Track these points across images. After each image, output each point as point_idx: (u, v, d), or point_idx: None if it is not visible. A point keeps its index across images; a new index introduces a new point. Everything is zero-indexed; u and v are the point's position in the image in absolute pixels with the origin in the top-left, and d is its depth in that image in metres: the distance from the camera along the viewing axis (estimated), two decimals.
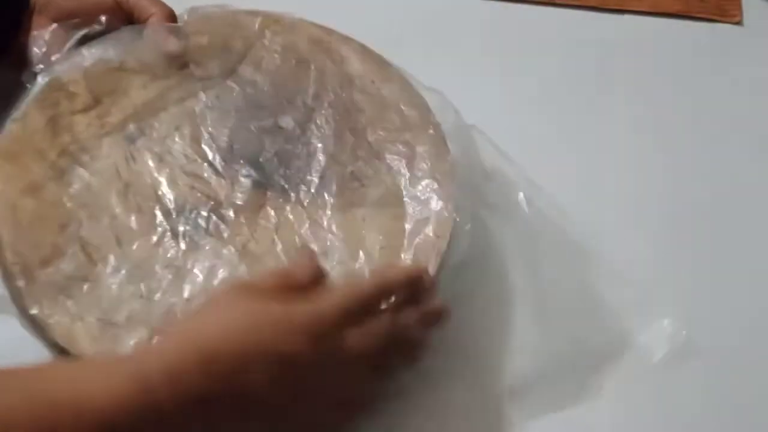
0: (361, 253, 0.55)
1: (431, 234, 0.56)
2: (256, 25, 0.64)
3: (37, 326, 0.50)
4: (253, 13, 0.65)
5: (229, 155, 0.58)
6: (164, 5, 0.63)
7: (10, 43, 0.61)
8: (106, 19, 0.62)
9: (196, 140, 0.59)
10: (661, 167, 0.69)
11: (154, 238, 0.54)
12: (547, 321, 0.58)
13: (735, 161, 0.69)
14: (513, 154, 0.67)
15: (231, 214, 0.56)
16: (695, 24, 0.78)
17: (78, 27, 0.61)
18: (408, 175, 0.58)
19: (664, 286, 0.61)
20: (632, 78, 0.74)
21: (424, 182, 0.58)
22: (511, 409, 0.55)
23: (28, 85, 0.59)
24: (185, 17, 0.64)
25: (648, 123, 0.71)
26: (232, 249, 0.54)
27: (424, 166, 0.59)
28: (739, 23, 0.78)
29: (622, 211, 0.66)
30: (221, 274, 0.53)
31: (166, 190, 0.56)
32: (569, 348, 0.56)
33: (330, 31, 0.65)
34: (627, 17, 0.78)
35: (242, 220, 0.55)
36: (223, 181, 0.57)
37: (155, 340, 0.49)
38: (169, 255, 0.54)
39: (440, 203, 0.57)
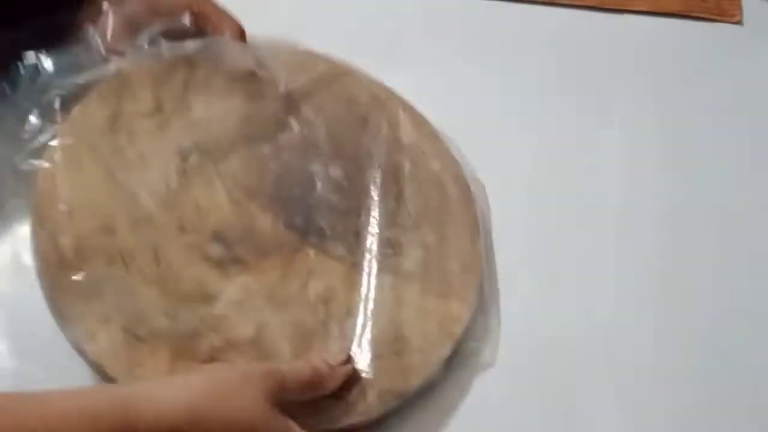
0: (382, 323, 0.55)
1: (450, 318, 0.57)
2: (324, 70, 0.65)
3: (64, 322, 0.50)
4: (322, 58, 0.65)
5: (276, 191, 0.59)
6: (236, 23, 0.63)
7: (71, 22, 0.60)
8: (190, 19, 0.61)
9: (247, 169, 0.59)
10: (660, 167, 0.69)
11: (191, 259, 0.54)
12: None
13: (735, 161, 0.69)
14: (511, 154, 0.67)
15: (268, 250, 0.56)
16: (695, 24, 0.77)
17: (147, 26, 0.60)
18: (437, 253, 0.59)
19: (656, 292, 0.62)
20: (632, 78, 0.74)
21: (453, 264, 0.59)
22: None
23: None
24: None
25: (648, 123, 0.71)
26: (261, 288, 0.55)
27: (455, 248, 0.60)
28: (739, 23, 0.78)
29: (621, 209, 0.66)
30: (246, 310, 0.54)
31: (210, 213, 0.56)
32: None
33: (389, 91, 0.66)
34: (627, 17, 0.78)
35: (276, 260, 0.56)
36: (265, 215, 0.57)
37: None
38: (201, 279, 0.54)
39: (463, 289, 0.58)
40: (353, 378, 0.52)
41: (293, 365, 0.50)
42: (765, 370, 0.59)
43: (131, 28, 0.60)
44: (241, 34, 0.63)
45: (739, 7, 0.78)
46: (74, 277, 0.52)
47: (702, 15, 0.78)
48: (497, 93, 0.72)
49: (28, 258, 0.52)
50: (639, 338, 0.60)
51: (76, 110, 0.57)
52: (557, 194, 0.66)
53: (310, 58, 0.66)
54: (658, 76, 0.74)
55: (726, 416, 0.57)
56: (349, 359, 0.52)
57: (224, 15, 0.63)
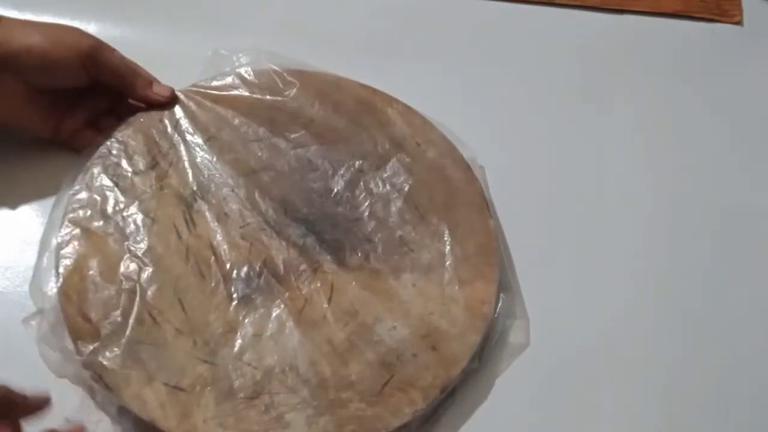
0: (411, 321, 0.56)
1: (477, 300, 0.57)
2: (305, 84, 0.66)
3: (108, 390, 0.52)
4: (299, 72, 0.66)
5: (282, 215, 0.59)
6: (146, 73, 0.63)
7: None
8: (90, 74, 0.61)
9: (251, 200, 0.60)
10: (660, 167, 0.68)
11: (215, 301, 0.55)
12: None
13: (735, 161, 0.69)
14: (512, 155, 0.67)
15: (287, 276, 0.57)
16: (695, 24, 0.77)
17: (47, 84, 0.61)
18: (451, 240, 0.59)
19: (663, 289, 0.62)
20: (632, 78, 0.74)
21: (469, 247, 0.59)
22: None
23: None
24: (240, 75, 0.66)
25: (648, 123, 0.71)
26: (289, 314, 0.55)
27: (468, 230, 0.60)
28: (739, 23, 0.78)
29: (621, 210, 0.66)
30: (279, 338, 0.55)
31: (225, 252, 0.57)
32: None
33: (375, 91, 0.66)
34: (627, 17, 0.78)
35: (298, 284, 0.57)
36: (278, 242, 0.58)
37: None
38: (229, 319, 0.55)
39: (484, 269, 0.58)
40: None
41: None
42: None
43: (32, 96, 0.60)
44: (150, 84, 0.63)
45: (739, 7, 0.78)
46: (111, 350, 0.53)
47: (702, 15, 0.78)
48: (497, 92, 0.72)
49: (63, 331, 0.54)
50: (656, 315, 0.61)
51: (79, 181, 0.60)
52: (556, 183, 0.67)
53: (289, 74, 0.66)
54: (658, 76, 0.74)
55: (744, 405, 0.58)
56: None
57: (132, 66, 0.62)
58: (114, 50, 0.62)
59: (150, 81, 0.63)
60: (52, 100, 0.61)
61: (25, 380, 0.47)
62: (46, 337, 0.54)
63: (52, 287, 0.56)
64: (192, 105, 0.64)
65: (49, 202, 0.61)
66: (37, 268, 0.57)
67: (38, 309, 0.56)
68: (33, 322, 0.55)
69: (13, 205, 0.62)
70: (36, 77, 0.59)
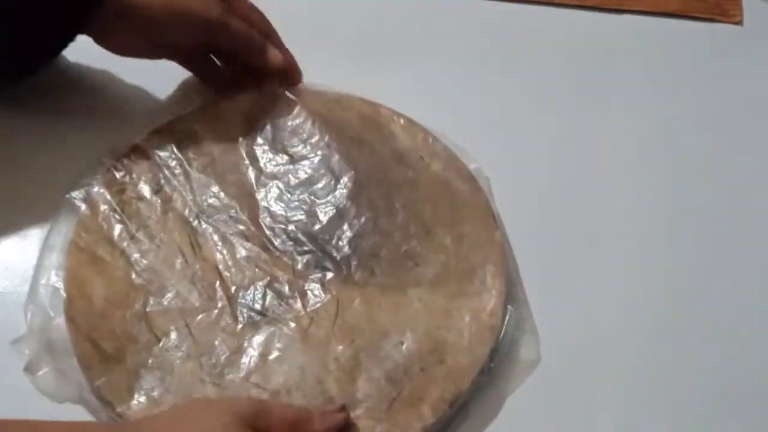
0: (418, 335, 0.56)
1: (484, 312, 0.57)
2: (306, 102, 0.65)
3: (117, 416, 0.52)
4: (301, 90, 0.66)
5: (286, 232, 0.59)
6: (284, 57, 0.65)
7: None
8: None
9: (254, 220, 0.60)
10: (660, 167, 0.68)
11: (222, 324, 0.55)
12: None
13: (734, 161, 0.69)
14: (512, 155, 0.67)
15: (292, 296, 0.57)
16: (695, 24, 0.77)
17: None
18: (457, 252, 0.59)
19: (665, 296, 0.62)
20: (632, 78, 0.74)
21: (475, 259, 0.59)
22: None
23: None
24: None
25: (648, 123, 0.71)
26: (295, 333, 0.55)
27: (474, 242, 0.60)
28: (739, 23, 0.78)
29: (632, 218, 0.66)
30: (285, 358, 0.55)
31: (230, 274, 0.57)
32: None
33: (377, 107, 0.66)
34: (627, 17, 0.78)
35: (303, 303, 0.57)
36: (282, 261, 0.58)
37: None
38: (235, 340, 0.55)
39: (490, 280, 0.58)
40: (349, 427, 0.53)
41: (284, 403, 0.52)
42: None
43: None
44: (263, 53, 0.65)
45: (739, 7, 0.78)
46: (119, 376, 0.53)
47: (702, 15, 0.78)
48: (497, 93, 0.71)
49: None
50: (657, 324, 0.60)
51: (85, 208, 0.59)
52: (561, 189, 0.67)
53: (293, 92, 0.66)
54: (658, 76, 0.74)
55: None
56: (343, 408, 0.52)
57: (247, 35, 0.64)
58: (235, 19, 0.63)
59: (262, 48, 0.64)
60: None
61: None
62: (41, 358, 0.54)
63: (54, 310, 0.56)
64: (194, 126, 0.64)
65: (51, 202, 0.60)
66: (34, 289, 0.57)
67: (34, 329, 0.55)
68: (23, 344, 0.55)
69: (15, 205, 0.62)
70: (156, 36, 0.62)
